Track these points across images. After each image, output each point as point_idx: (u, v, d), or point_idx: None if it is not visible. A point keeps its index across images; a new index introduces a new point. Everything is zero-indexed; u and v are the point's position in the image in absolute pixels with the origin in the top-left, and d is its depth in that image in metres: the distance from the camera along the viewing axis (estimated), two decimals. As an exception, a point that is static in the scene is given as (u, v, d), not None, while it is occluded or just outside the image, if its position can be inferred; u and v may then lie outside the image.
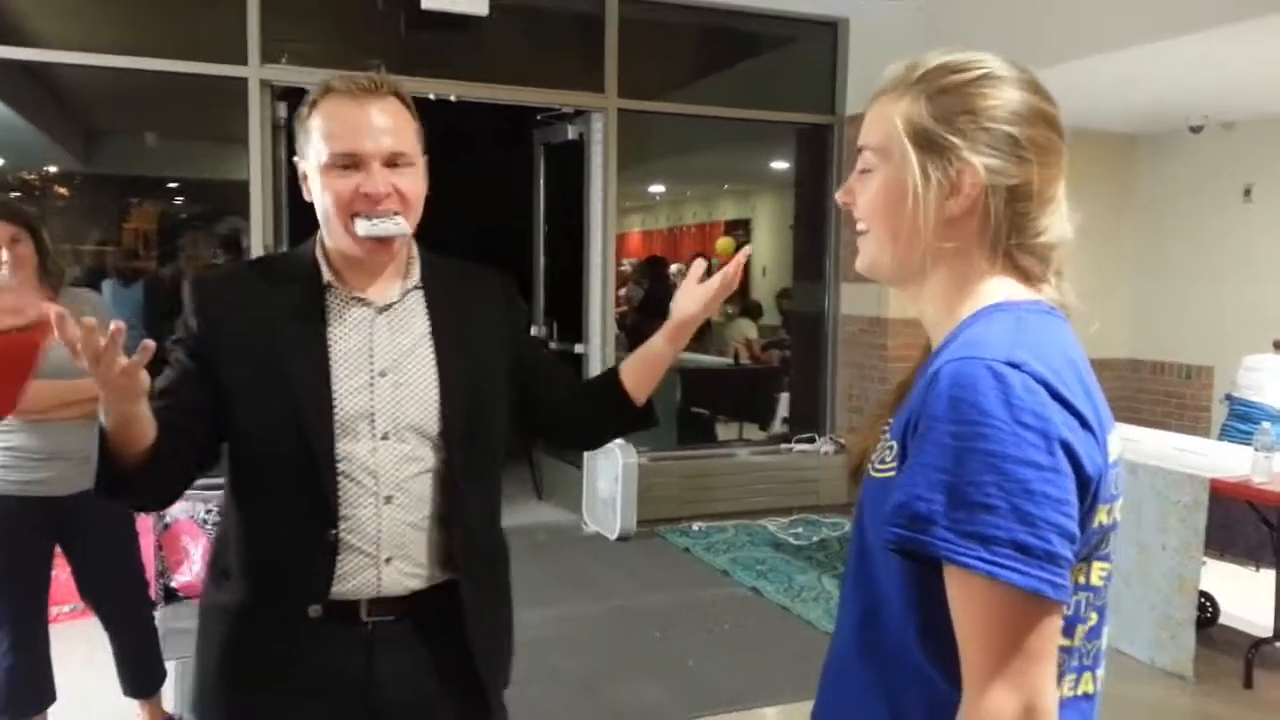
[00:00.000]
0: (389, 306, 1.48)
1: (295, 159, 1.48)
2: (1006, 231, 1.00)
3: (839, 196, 1.10)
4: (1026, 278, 1.01)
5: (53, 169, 6.23)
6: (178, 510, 4.44)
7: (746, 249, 1.63)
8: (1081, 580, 0.96)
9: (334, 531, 1.41)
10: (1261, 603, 3.90)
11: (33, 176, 6.00)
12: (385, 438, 1.43)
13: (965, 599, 0.88)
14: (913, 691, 0.96)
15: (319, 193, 1.43)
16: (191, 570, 4.32)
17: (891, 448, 0.97)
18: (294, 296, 1.45)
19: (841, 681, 1.05)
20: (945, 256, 1.01)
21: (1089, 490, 0.90)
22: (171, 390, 1.42)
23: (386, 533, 1.43)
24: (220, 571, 1.50)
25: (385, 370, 1.45)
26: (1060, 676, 0.95)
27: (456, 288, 1.56)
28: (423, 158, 1.48)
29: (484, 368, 1.52)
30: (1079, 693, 0.98)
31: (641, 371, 1.62)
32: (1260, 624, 3.93)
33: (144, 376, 1.24)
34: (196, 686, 1.52)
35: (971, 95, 0.99)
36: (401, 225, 1.41)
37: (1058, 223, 1.02)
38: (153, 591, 3.72)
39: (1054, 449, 0.87)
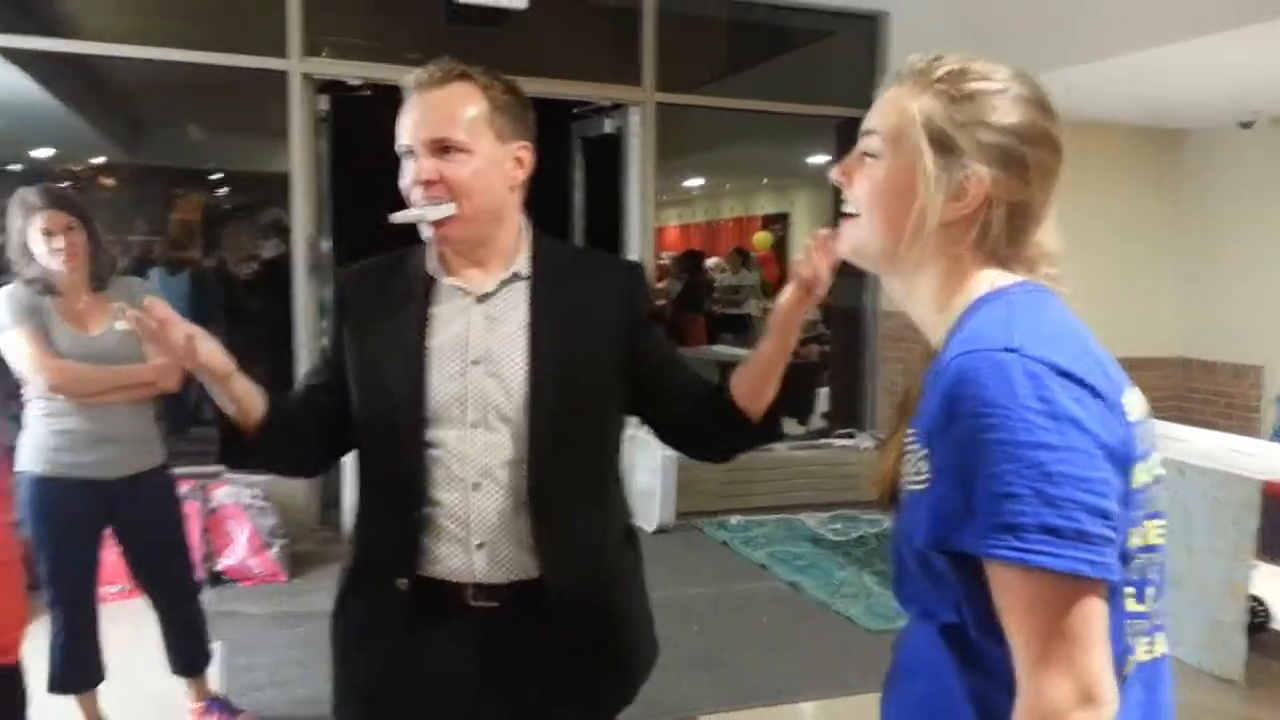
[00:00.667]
0: (487, 296, 1.49)
1: None
2: (1002, 244, 1.01)
3: (834, 174, 1.09)
4: (1016, 269, 1.03)
5: (100, 160, 6.33)
6: (223, 494, 4.50)
7: (823, 232, 1.40)
8: (1142, 542, 0.95)
9: (419, 511, 1.46)
10: (1314, 607, 3.81)
11: (80, 167, 6.09)
12: (475, 425, 1.46)
13: (1006, 591, 0.88)
14: (997, 680, 0.93)
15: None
16: (236, 554, 4.38)
17: (922, 456, 0.96)
18: (405, 287, 1.52)
19: (919, 672, 1.04)
20: (939, 256, 1.02)
21: (1116, 459, 0.89)
22: (313, 370, 1.60)
23: (475, 518, 1.46)
24: (350, 539, 1.63)
25: (478, 359, 1.47)
26: (1136, 642, 0.95)
27: (570, 277, 1.54)
28: (506, 143, 1.46)
29: (587, 360, 1.49)
30: (1156, 655, 0.97)
31: (752, 380, 1.48)
32: (1313, 628, 3.85)
33: (209, 353, 1.37)
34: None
35: (990, 109, 1.00)
36: (439, 209, 1.41)
37: (1049, 237, 1.05)
38: (199, 574, 3.78)
39: (1064, 428, 0.86)
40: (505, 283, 1.50)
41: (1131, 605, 0.94)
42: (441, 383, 1.46)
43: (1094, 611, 0.87)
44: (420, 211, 1.42)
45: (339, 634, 1.58)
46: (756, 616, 4.15)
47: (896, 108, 1.03)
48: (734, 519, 5.57)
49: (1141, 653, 0.96)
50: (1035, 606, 0.86)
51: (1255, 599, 3.85)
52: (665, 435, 1.63)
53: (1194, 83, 5.03)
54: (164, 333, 1.32)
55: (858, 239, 1.07)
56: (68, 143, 5.86)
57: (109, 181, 6.34)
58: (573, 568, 1.50)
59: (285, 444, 1.48)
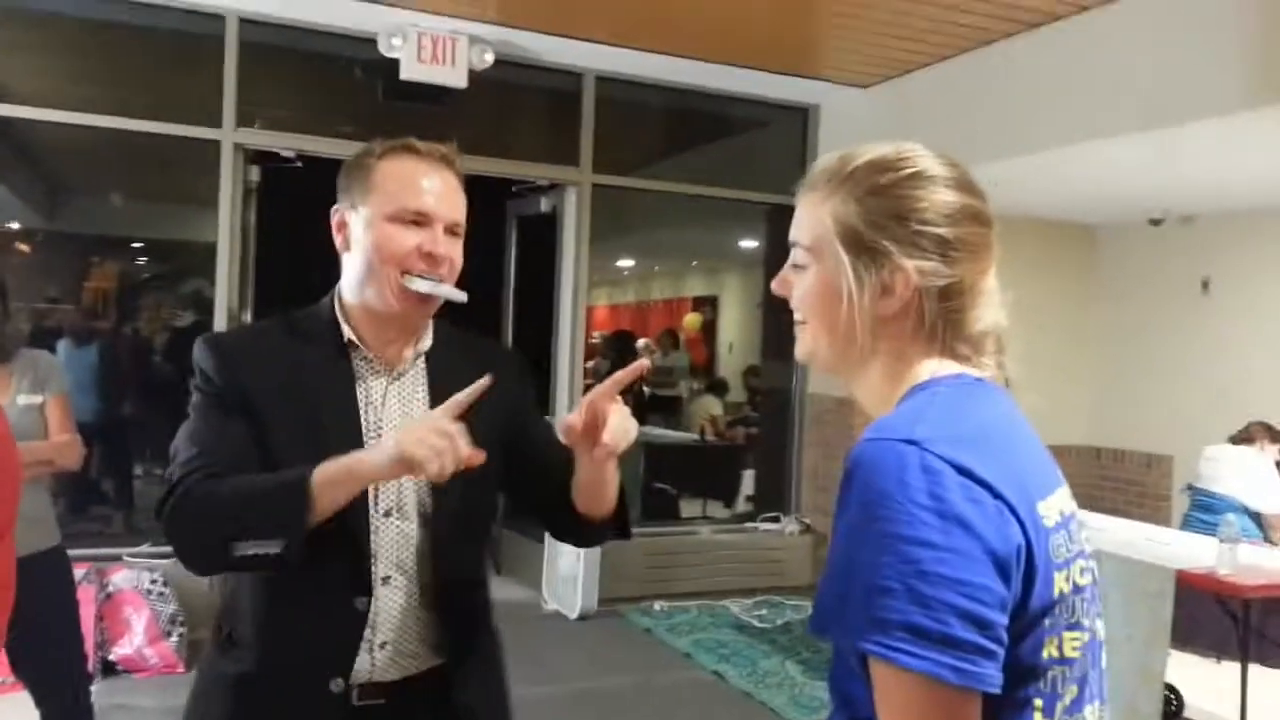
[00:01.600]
0: (401, 375, 1.47)
1: (335, 208, 1.48)
2: (941, 328, 1.01)
3: (774, 287, 1.10)
4: (960, 359, 1.02)
5: (14, 225, 6.15)
6: (120, 579, 4.28)
7: (644, 363, 1.49)
8: (1054, 654, 0.92)
9: (365, 599, 1.37)
10: (1225, 695, 3.87)
11: (-8, 232, 5.91)
12: (387, 514, 1.41)
13: (878, 687, 0.86)
14: None
15: (368, 240, 1.41)
16: (133, 643, 4.14)
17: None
18: (319, 356, 1.43)
19: None
20: (880, 352, 1.02)
21: (1007, 567, 0.87)
22: (216, 446, 1.36)
23: (382, 615, 1.40)
24: (226, 637, 1.44)
25: None
26: None
27: (461, 360, 1.50)
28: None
29: (480, 444, 1.42)
30: None
31: (584, 498, 1.46)
32: (1225, 717, 3.90)
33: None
34: None
35: (902, 198, 1.00)
36: (454, 291, 1.43)
37: (990, 312, 1.03)
38: (90, 664, 3.56)
39: (949, 528, 0.85)
40: (415, 360, 1.49)
41: (1039, 719, 0.91)
42: None
43: (964, 717, 0.84)
44: (450, 289, 1.42)
45: None
46: (680, 709, 4.06)
47: (813, 217, 1.04)
48: (657, 605, 5.47)
49: None
50: (901, 708, 0.84)
51: (1168, 687, 3.89)
52: (531, 514, 1.64)
53: (1106, 181, 5.27)
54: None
55: (804, 345, 1.07)
56: (-21, 206, 5.68)
57: (23, 247, 6.15)
58: (471, 654, 1.48)
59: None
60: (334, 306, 1.47)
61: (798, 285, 1.06)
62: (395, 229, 1.40)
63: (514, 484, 1.56)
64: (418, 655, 1.43)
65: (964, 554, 0.84)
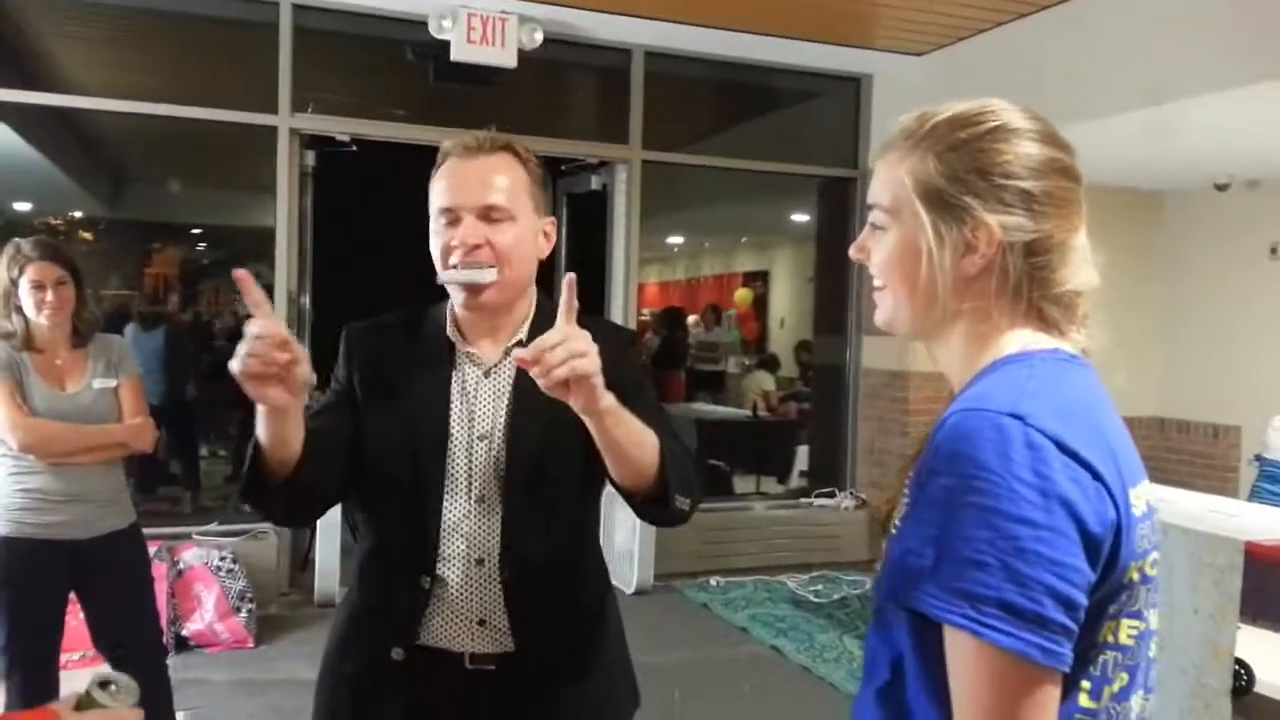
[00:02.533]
0: (493, 368, 1.49)
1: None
2: (1027, 286, 0.97)
3: (852, 253, 1.08)
4: (1052, 327, 0.99)
5: (78, 214, 6.31)
6: (191, 556, 4.41)
7: (570, 276, 1.26)
8: (1110, 639, 0.91)
9: (428, 579, 1.44)
10: (1299, 671, 3.78)
11: (58, 221, 6.07)
12: (480, 501, 1.45)
13: (956, 658, 0.85)
14: None
15: (432, 250, 1.47)
16: (204, 619, 4.27)
17: (906, 504, 0.94)
18: (424, 351, 1.50)
19: None
20: (964, 315, 0.99)
21: (1099, 550, 0.86)
22: (323, 418, 1.46)
23: (478, 595, 1.45)
24: (343, 601, 1.60)
25: (484, 434, 1.47)
26: None
27: None
28: (539, 216, 1.49)
29: (563, 433, 1.38)
30: None
31: (610, 464, 1.34)
32: (1298, 694, 3.81)
33: (304, 376, 1.23)
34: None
35: (983, 151, 0.97)
36: (487, 274, 1.41)
37: (1081, 271, 1.00)
38: (164, 639, 3.67)
39: (1052, 506, 0.83)
40: (507, 353, 1.48)
41: (1083, 700, 0.90)
42: (452, 456, 1.46)
43: (1042, 699, 0.84)
44: (470, 274, 1.41)
45: (324, 698, 1.55)
46: (738, 682, 4.08)
47: (891, 176, 1.01)
48: (713, 580, 5.50)
49: None
50: (982, 682, 0.84)
51: (1239, 662, 3.81)
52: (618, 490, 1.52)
53: (1170, 146, 5.13)
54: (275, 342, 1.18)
55: (884, 310, 1.05)
56: (46, 196, 5.83)
57: (86, 235, 6.31)
58: (554, 645, 1.49)
59: (304, 494, 1.37)
60: (448, 306, 1.52)
61: (876, 249, 1.03)
62: (437, 232, 1.45)
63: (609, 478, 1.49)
64: (521, 636, 1.46)
65: (1063, 534, 0.83)
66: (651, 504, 1.37)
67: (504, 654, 1.46)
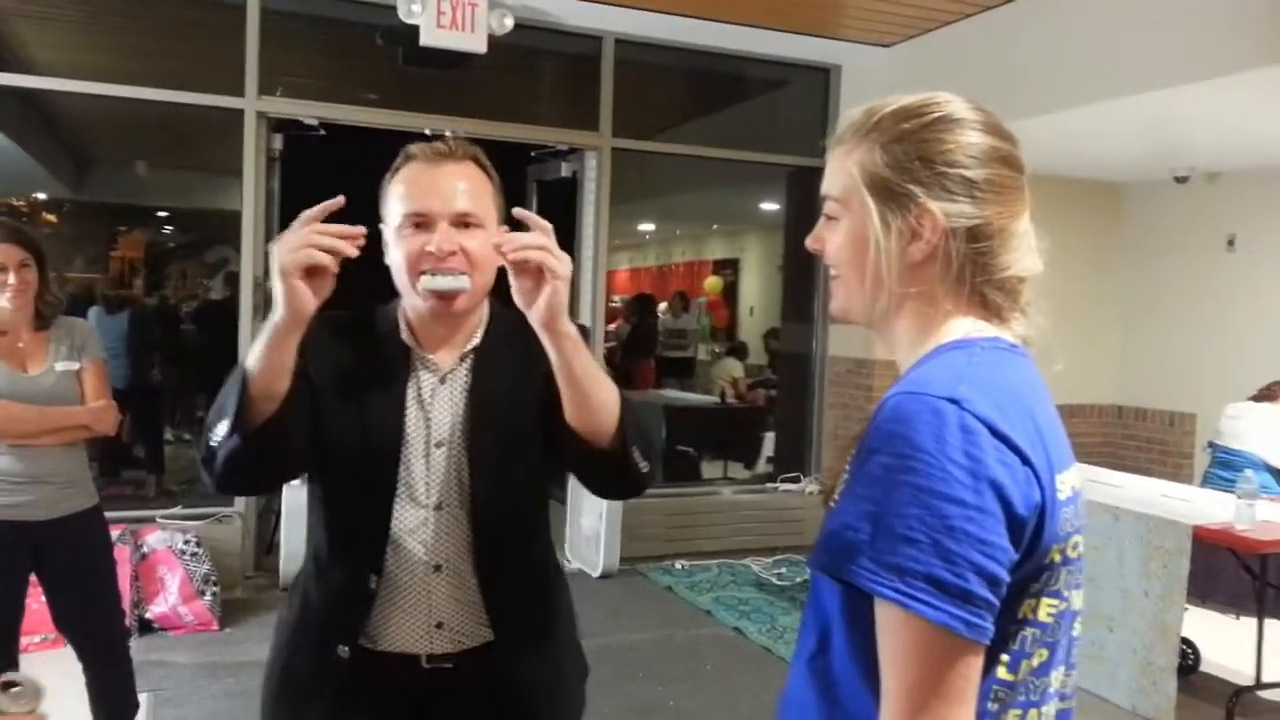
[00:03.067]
0: (448, 374, 1.50)
1: (380, 225, 1.50)
2: (970, 271, 1.01)
3: (809, 243, 1.11)
4: (994, 313, 1.03)
5: (42, 196, 6.24)
6: (155, 540, 4.40)
7: (340, 199, 1.35)
8: (1029, 616, 0.96)
9: (375, 578, 1.46)
10: (1242, 650, 3.90)
11: (22, 203, 6.00)
12: (439, 508, 1.47)
13: (885, 630, 0.89)
14: (851, 718, 0.96)
15: (392, 253, 1.46)
16: (167, 601, 4.27)
17: (845, 481, 0.98)
18: (379, 355, 1.49)
19: (790, 705, 1.06)
20: (910, 300, 1.02)
21: (1023, 531, 0.90)
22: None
23: (436, 599, 1.48)
24: (290, 590, 1.60)
25: (441, 442, 1.47)
26: (1003, 710, 0.95)
27: (506, 349, 1.52)
28: (500, 225, 1.48)
29: (518, 434, 1.48)
30: None
31: (567, 399, 1.36)
32: (1241, 672, 3.93)
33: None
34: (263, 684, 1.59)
35: (926, 141, 1.01)
36: (462, 281, 1.41)
37: (1024, 257, 1.03)
38: (128, 622, 3.68)
39: (981, 488, 0.87)
40: (462, 359, 1.51)
41: (1002, 673, 0.94)
42: (409, 463, 1.47)
43: (965, 670, 0.88)
44: (450, 281, 1.40)
45: (271, 692, 1.56)
46: (700, 663, 4.14)
47: (839, 168, 1.05)
48: (679, 564, 5.55)
49: None
50: (909, 653, 0.88)
51: (1185, 642, 3.92)
52: (573, 469, 1.54)
53: (1131, 138, 5.22)
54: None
55: (839, 299, 1.09)
56: (9, 177, 5.77)
57: (51, 217, 6.24)
58: (523, 635, 1.53)
59: (278, 451, 1.37)
60: (399, 309, 1.52)
61: (830, 239, 1.07)
62: (404, 237, 1.43)
63: (556, 441, 1.50)
64: (473, 634, 1.50)
65: (990, 514, 0.87)
66: (610, 464, 1.39)
67: (462, 652, 1.49)
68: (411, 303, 1.47)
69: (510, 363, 1.50)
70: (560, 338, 1.31)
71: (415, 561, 1.46)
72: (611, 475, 1.45)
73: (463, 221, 1.43)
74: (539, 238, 1.32)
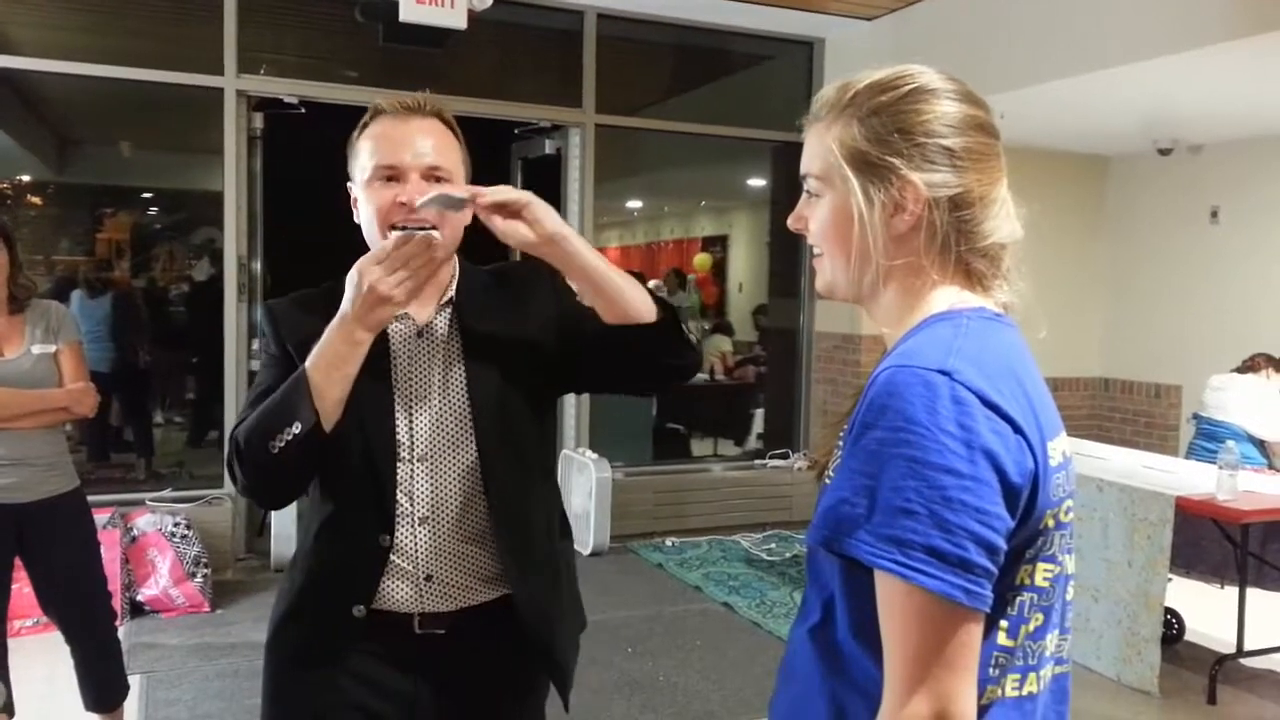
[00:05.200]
0: (426, 327, 1.51)
1: (349, 184, 1.52)
2: (955, 240, 1.01)
3: (790, 223, 1.11)
4: (977, 282, 1.04)
5: (25, 178, 6.17)
6: (144, 523, 4.40)
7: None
8: (1026, 581, 0.97)
9: (387, 537, 1.47)
10: (1226, 619, 3.94)
11: (4, 185, 5.94)
12: (422, 460, 1.47)
13: (886, 601, 0.90)
14: (854, 687, 0.97)
15: (363, 207, 1.47)
16: (158, 584, 4.27)
17: (839, 455, 0.99)
18: None
19: (793, 675, 1.07)
20: (897, 272, 1.03)
21: (1017, 498, 0.91)
22: (263, 400, 1.43)
23: (424, 551, 1.48)
24: (291, 563, 1.59)
25: (422, 395, 1.48)
26: (1003, 675, 0.97)
27: (491, 296, 1.55)
28: (465, 180, 1.49)
29: (518, 376, 1.50)
30: (1023, 693, 0.99)
31: (595, 299, 1.43)
32: (1224, 640, 3.98)
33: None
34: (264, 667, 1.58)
35: (903, 113, 1.01)
36: (434, 234, 1.38)
37: (1004, 223, 1.04)
38: (118, 605, 3.68)
39: (976, 458, 0.88)
40: (439, 311, 1.51)
41: (1001, 639, 0.96)
42: (400, 418, 1.47)
43: (966, 638, 0.89)
44: (425, 233, 1.37)
45: (275, 663, 1.56)
46: (691, 638, 4.17)
47: (818, 145, 1.05)
48: (669, 541, 5.58)
49: (1009, 688, 0.98)
50: (911, 623, 0.89)
51: (1169, 611, 3.97)
52: (617, 385, 1.64)
53: (1114, 111, 5.21)
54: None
55: (824, 276, 1.09)
56: (-11, 160, 5.71)
57: (35, 200, 6.18)
58: (535, 581, 1.54)
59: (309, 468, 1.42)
60: None
61: (812, 217, 1.07)
62: (374, 190, 1.44)
63: (595, 377, 1.59)
64: (470, 588, 1.50)
65: (986, 483, 0.88)
66: (665, 334, 1.42)
67: (461, 610, 1.50)
68: None
69: (495, 311, 1.52)
70: (565, 240, 1.37)
71: (405, 515, 1.47)
72: (669, 346, 1.45)
73: (433, 175, 1.44)
74: (502, 188, 1.37)
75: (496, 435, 1.49)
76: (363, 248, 1.46)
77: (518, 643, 1.53)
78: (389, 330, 1.48)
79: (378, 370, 1.46)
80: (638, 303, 1.41)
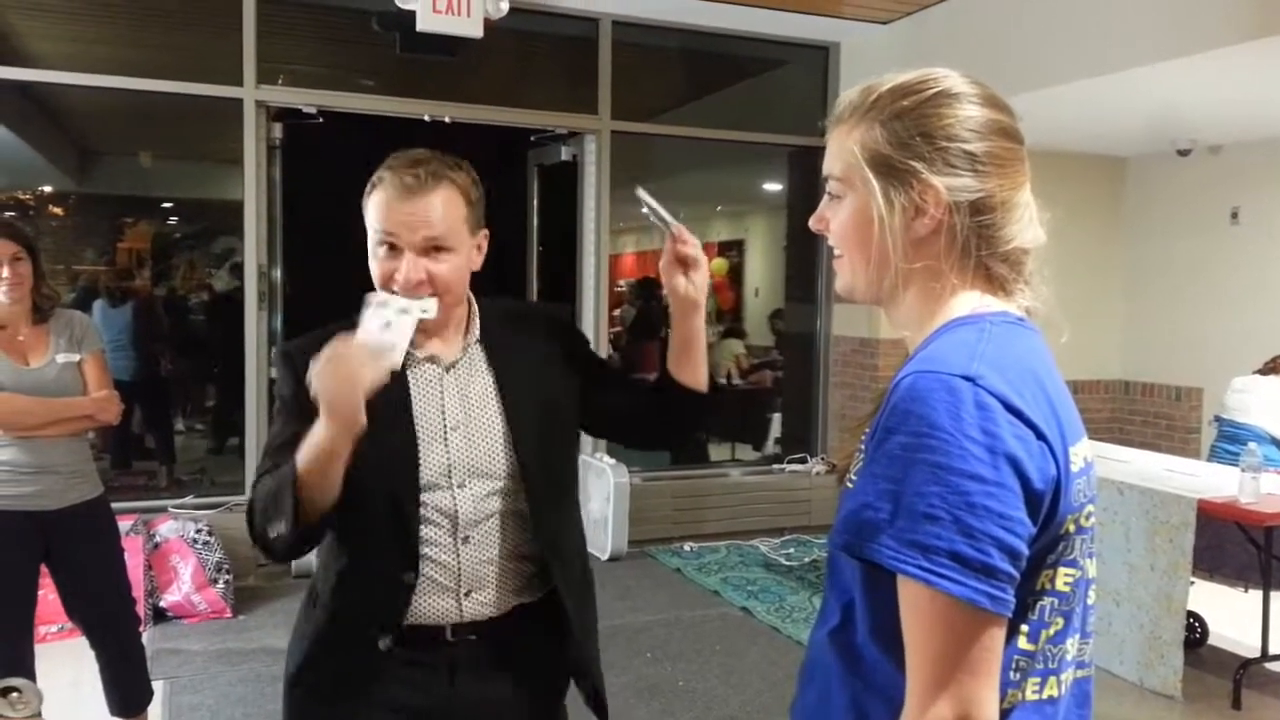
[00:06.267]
0: (454, 364, 1.57)
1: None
2: (975, 244, 1.01)
3: (812, 224, 1.12)
4: (999, 286, 1.04)
5: (47, 189, 6.25)
6: (167, 529, 4.44)
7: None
8: (1048, 586, 0.97)
9: (412, 574, 1.51)
10: (1250, 623, 3.91)
11: (27, 196, 6.01)
12: (462, 486, 1.54)
13: (909, 606, 0.90)
14: (874, 690, 0.97)
15: (371, 262, 1.53)
16: (180, 590, 4.31)
17: (861, 459, 0.99)
18: None
19: (814, 678, 1.07)
20: (917, 275, 1.03)
21: (1040, 504, 0.92)
22: (279, 449, 1.47)
23: (465, 569, 1.54)
24: (310, 597, 1.62)
25: (456, 425, 1.54)
26: (1024, 679, 0.97)
27: (514, 333, 1.63)
28: (474, 236, 1.55)
29: (551, 406, 1.60)
30: (1044, 696, 0.99)
31: (680, 358, 1.61)
32: (1248, 644, 3.94)
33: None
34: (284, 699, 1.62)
35: (926, 117, 1.01)
36: (430, 304, 1.47)
37: (1026, 228, 1.04)
38: (141, 611, 3.71)
39: (999, 464, 0.88)
40: (466, 349, 1.59)
41: (1022, 643, 0.96)
42: (426, 450, 1.52)
43: (989, 643, 0.89)
44: (417, 304, 1.46)
45: (299, 700, 1.58)
46: (710, 643, 4.16)
47: (840, 148, 1.06)
48: (687, 546, 5.58)
49: (1030, 692, 0.97)
50: (934, 628, 0.89)
51: (1192, 615, 3.93)
52: (632, 434, 1.80)
53: (1133, 112, 5.18)
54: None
55: (844, 278, 1.10)
56: (13, 171, 5.78)
57: (57, 210, 6.26)
58: (572, 589, 1.62)
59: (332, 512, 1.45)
60: None
61: (833, 219, 1.08)
62: (379, 257, 1.50)
63: (615, 420, 1.72)
64: (503, 601, 1.57)
65: (1009, 489, 0.88)
66: (704, 404, 1.63)
67: (493, 618, 1.56)
68: None
69: (523, 345, 1.62)
70: (700, 307, 1.57)
71: (444, 541, 1.52)
72: (706, 417, 1.67)
73: (431, 249, 1.48)
74: (695, 242, 1.55)
75: (536, 458, 1.56)
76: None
77: (554, 642, 1.61)
78: (408, 374, 1.53)
79: (398, 413, 1.50)
80: (703, 373, 1.62)
